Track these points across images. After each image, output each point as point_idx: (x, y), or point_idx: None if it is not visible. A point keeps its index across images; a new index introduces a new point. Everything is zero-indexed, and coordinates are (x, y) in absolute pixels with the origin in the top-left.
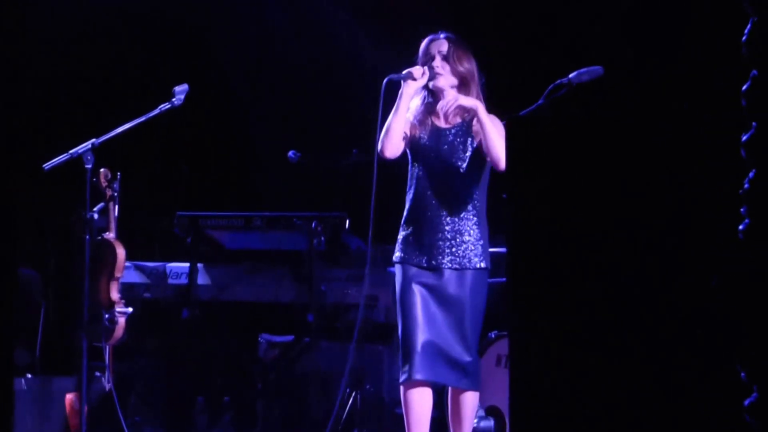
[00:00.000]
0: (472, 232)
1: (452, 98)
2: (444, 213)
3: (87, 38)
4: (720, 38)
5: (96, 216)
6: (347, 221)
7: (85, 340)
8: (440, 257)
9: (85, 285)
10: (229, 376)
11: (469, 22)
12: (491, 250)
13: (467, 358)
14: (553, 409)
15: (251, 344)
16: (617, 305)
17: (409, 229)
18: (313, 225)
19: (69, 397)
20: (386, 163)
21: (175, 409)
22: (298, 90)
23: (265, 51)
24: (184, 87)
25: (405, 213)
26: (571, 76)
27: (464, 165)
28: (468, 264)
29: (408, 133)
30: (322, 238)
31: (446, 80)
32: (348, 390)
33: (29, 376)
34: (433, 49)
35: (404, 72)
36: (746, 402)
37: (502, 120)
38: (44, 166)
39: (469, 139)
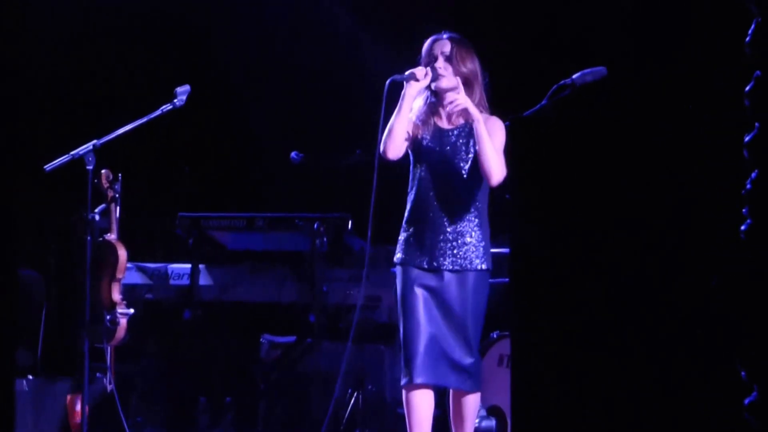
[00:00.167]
0: (473, 233)
1: (462, 100)
2: (446, 214)
3: (88, 39)
4: (723, 39)
5: (97, 217)
6: (350, 222)
7: (87, 341)
8: (441, 258)
9: (86, 286)
10: (230, 377)
11: (472, 23)
12: (493, 250)
13: (469, 360)
14: (554, 409)
15: (253, 345)
16: (619, 305)
17: (411, 230)
18: (315, 226)
19: (70, 398)
20: (388, 164)
21: (177, 409)
22: (300, 90)
23: (268, 51)
24: (186, 88)
25: (406, 214)
26: (574, 76)
27: (466, 166)
28: (469, 265)
29: (410, 134)
30: (325, 239)
31: (449, 81)
32: (350, 390)
33: (30, 377)
34: (436, 50)
35: (407, 72)
36: (746, 401)
37: (505, 121)
38: (45, 167)
39: (472, 141)
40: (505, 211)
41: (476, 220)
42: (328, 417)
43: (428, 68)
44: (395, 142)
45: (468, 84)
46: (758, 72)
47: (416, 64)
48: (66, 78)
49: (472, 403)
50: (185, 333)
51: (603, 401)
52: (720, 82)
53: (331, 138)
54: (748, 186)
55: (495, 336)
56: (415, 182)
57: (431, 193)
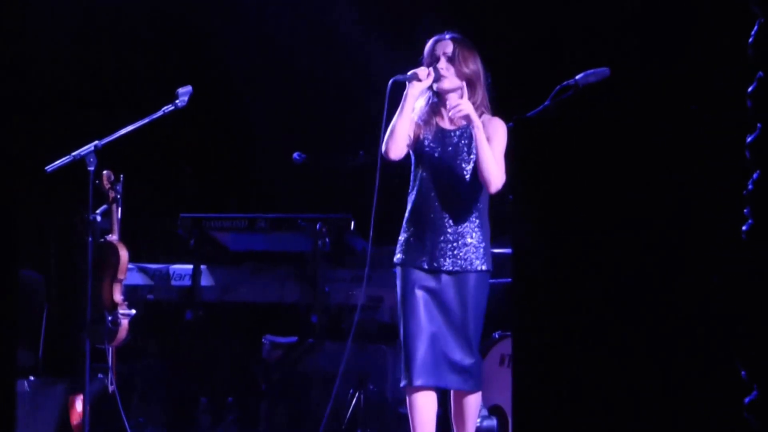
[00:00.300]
0: (474, 234)
1: (465, 107)
2: (447, 215)
3: (90, 39)
4: (726, 40)
5: (99, 218)
6: (352, 223)
7: (88, 341)
8: (442, 259)
9: (87, 287)
10: (232, 377)
11: (476, 23)
12: (496, 251)
13: (470, 361)
14: (556, 409)
15: (255, 345)
16: (620, 306)
17: (411, 231)
18: (317, 226)
19: (72, 399)
20: (391, 165)
21: (178, 410)
22: (303, 91)
23: (270, 51)
24: (188, 89)
25: (407, 214)
26: (577, 77)
27: (468, 167)
28: (469, 266)
29: (412, 134)
30: (327, 240)
31: (451, 82)
32: (351, 390)
33: (32, 377)
34: (438, 51)
35: (409, 73)
36: (746, 400)
37: (509, 122)
38: (47, 168)
39: (474, 141)
40: (508, 212)
41: (477, 221)
42: (326, 416)
43: (431, 68)
44: (397, 142)
45: (470, 85)
46: (761, 73)
47: (418, 65)
48: (67, 78)
49: (473, 402)
50: (187, 334)
51: (604, 401)
52: (722, 82)
53: (334, 139)
54: (750, 187)
55: (497, 336)
56: (417, 183)
57: (432, 194)
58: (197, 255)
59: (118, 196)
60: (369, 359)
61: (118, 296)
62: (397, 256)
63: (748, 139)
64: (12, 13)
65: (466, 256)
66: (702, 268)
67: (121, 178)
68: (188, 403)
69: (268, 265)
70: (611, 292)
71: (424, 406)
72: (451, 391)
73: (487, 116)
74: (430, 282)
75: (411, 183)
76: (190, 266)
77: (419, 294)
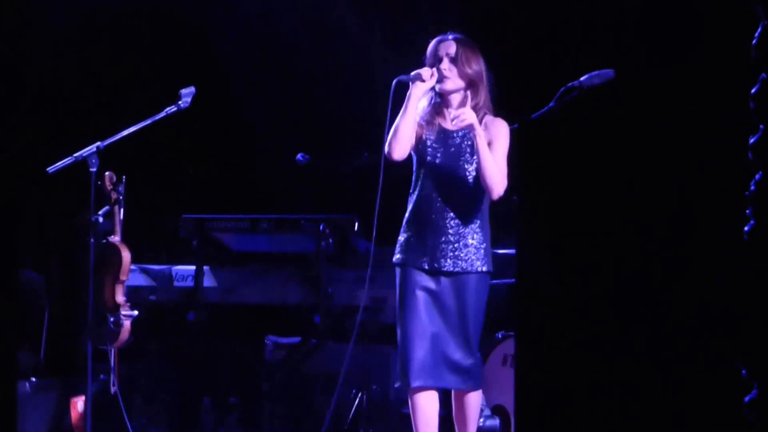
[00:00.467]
0: (475, 235)
1: (468, 116)
2: (448, 216)
3: (92, 40)
4: (731, 42)
5: (101, 219)
6: (356, 224)
7: (90, 343)
8: (443, 260)
9: (89, 288)
10: (235, 378)
11: (480, 24)
12: (500, 251)
13: (470, 361)
14: (558, 408)
15: (257, 346)
16: (622, 306)
17: (412, 231)
18: (321, 227)
19: (74, 400)
20: (395, 166)
21: (181, 411)
22: (306, 91)
23: (273, 52)
24: (191, 89)
25: (407, 214)
26: (582, 79)
27: (470, 168)
28: (470, 267)
29: (415, 135)
30: (330, 241)
31: (454, 83)
32: (354, 390)
33: (33, 379)
34: (441, 51)
35: (413, 73)
36: (747, 398)
37: (514, 123)
38: (48, 169)
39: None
40: (512, 212)
41: (478, 221)
42: (328, 418)
43: (434, 69)
44: (401, 142)
45: (473, 85)
46: (764, 74)
47: (421, 65)
48: (69, 79)
49: (473, 402)
50: (189, 335)
51: (606, 400)
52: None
53: (337, 139)
54: (752, 187)
55: (500, 336)
56: (418, 183)
57: (434, 194)
58: (200, 256)
59: (121, 197)
60: (372, 359)
61: (120, 297)
62: (397, 257)
63: (751, 141)
64: (13, 14)
65: (467, 257)
66: (704, 268)
67: (124, 179)
68: (191, 404)
69: (271, 266)
70: (613, 292)
71: (426, 407)
72: (453, 391)
73: (489, 117)
74: (431, 283)
75: (412, 183)
76: (193, 267)
77: (420, 295)
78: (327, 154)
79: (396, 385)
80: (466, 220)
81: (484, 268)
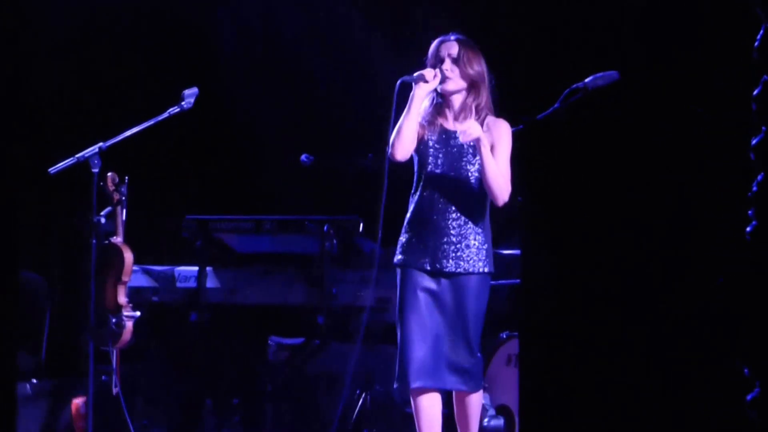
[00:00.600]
0: (477, 236)
1: (474, 130)
2: (450, 216)
3: (94, 40)
4: (733, 44)
5: (103, 220)
6: (361, 225)
7: (92, 344)
8: (444, 261)
9: (91, 289)
10: (237, 379)
11: (483, 25)
12: (504, 252)
13: (470, 362)
14: (561, 408)
15: (260, 346)
16: (625, 306)
17: (413, 231)
18: (325, 228)
19: (75, 401)
20: (400, 167)
21: (183, 412)
22: (310, 92)
23: (277, 53)
24: (194, 90)
25: (409, 215)
26: (587, 80)
27: (472, 169)
28: (472, 268)
29: (417, 135)
30: (335, 242)
31: (455, 83)
32: (358, 391)
33: (34, 380)
34: (443, 52)
35: (416, 74)
36: (748, 397)
37: (519, 124)
38: (50, 169)
39: (479, 158)
40: (516, 213)
41: (480, 222)
42: (337, 418)
43: (437, 70)
44: (404, 143)
45: (475, 86)
46: (766, 76)
47: (423, 66)
48: (71, 80)
49: (475, 402)
50: (192, 335)
51: (609, 400)
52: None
53: (340, 140)
54: (754, 188)
55: (504, 336)
56: (420, 183)
57: (436, 195)
58: (203, 257)
59: (123, 198)
60: (376, 360)
61: (122, 298)
62: (398, 257)
63: (753, 142)
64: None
65: (468, 258)
66: (707, 268)
67: (126, 180)
68: (193, 404)
69: (274, 266)
70: (616, 292)
71: (429, 407)
72: (453, 392)
73: (491, 118)
74: (432, 284)
75: (414, 184)
76: (196, 268)
77: (421, 296)
78: (331, 155)
79: (394, 386)
80: (468, 221)
81: (486, 269)
